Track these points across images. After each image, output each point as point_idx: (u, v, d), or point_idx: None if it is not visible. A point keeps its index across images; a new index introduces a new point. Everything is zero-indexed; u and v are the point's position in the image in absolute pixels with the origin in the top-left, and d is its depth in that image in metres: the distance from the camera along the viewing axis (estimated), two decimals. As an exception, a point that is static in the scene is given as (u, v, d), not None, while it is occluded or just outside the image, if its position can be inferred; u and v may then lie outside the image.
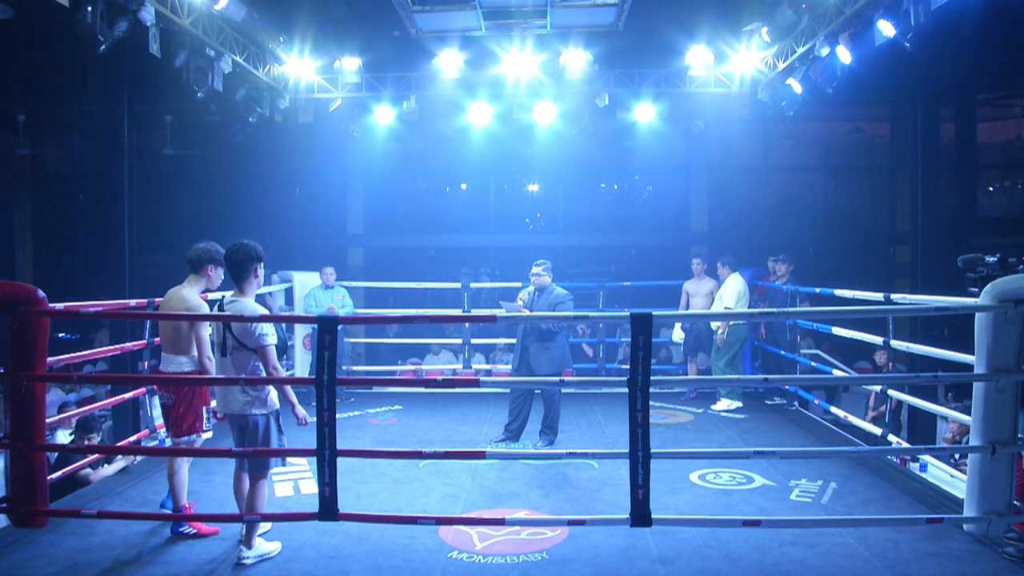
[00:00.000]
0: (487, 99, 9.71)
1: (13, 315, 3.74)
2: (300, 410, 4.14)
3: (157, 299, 5.66)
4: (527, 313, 6.31)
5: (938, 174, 9.19)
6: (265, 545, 4.06)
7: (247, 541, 3.98)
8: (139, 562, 3.99)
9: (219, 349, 4.09)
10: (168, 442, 6.19)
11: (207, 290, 4.58)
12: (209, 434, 4.60)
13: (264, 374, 4.04)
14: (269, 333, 3.98)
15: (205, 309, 4.42)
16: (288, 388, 4.09)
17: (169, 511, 4.58)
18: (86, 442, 6.05)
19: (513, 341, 7.37)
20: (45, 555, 4.05)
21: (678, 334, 8.66)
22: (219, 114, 10.86)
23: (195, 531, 4.36)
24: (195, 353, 4.40)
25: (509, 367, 6.97)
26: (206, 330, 4.37)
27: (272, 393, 4.10)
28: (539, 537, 4.28)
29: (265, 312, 4.04)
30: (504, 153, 12.07)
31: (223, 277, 4.55)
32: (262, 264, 4.13)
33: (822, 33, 7.33)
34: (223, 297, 4.16)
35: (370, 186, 13.02)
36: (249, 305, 4.04)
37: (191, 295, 4.41)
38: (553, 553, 4.08)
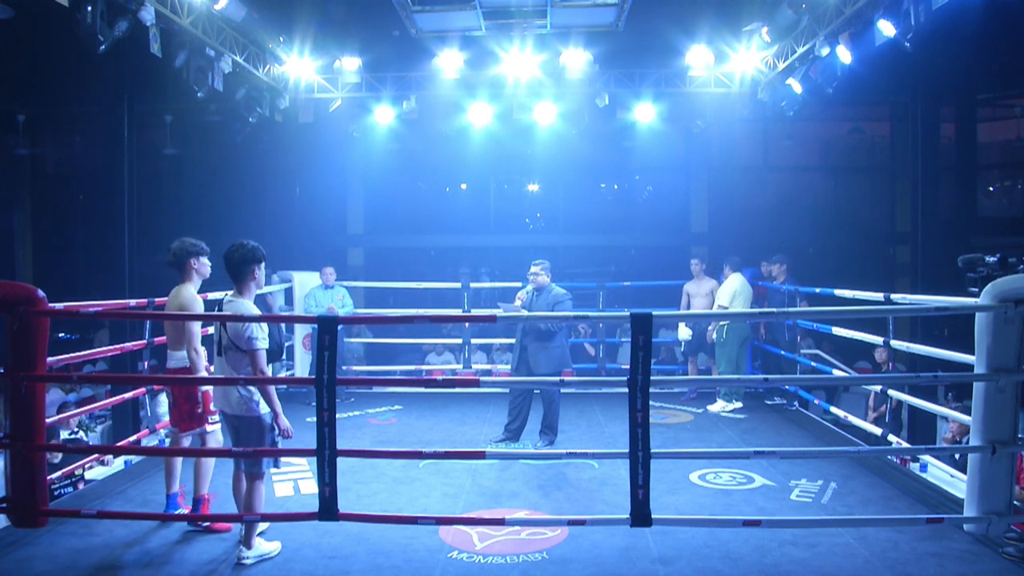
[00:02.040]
0: (487, 99, 9.70)
1: (13, 315, 3.74)
2: (284, 420, 4.03)
3: (157, 299, 5.69)
4: (527, 313, 6.30)
5: (938, 174, 9.18)
6: (265, 545, 4.06)
7: (246, 541, 3.98)
8: (139, 562, 3.99)
9: (217, 348, 4.08)
10: (168, 441, 6.23)
11: (203, 282, 4.65)
12: (218, 425, 4.60)
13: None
14: (260, 337, 3.93)
15: (199, 304, 4.53)
16: (274, 397, 3.98)
17: (174, 511, 4.60)
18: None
19: (512, 341, 7.36)
20: (45, 555, 4.05)
21: (684, 332, 8.63)
22: (219, 114, 10.85)
23: (207, 525, 4.39)
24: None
25: (509, 367, 6.96)
26: (196, 324, 4.47)
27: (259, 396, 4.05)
28: (539, 537, 4.28)
29: (258, 314, 4.01)
30: (504, 153, 12.07)
31: (210, 263, 4.61)
32: (262, 265, 4.10)
33: (822, 33, 7.33)
34: (224, 296, 4.15)
35: (370, 186, 13.02)
36: (244, 306, 4.03)
37: (184, 292, 4.52)
38: (553, 553, 4.08)
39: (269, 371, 4.13)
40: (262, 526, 4.22)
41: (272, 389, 3.99)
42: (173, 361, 4.62)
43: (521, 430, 6.48)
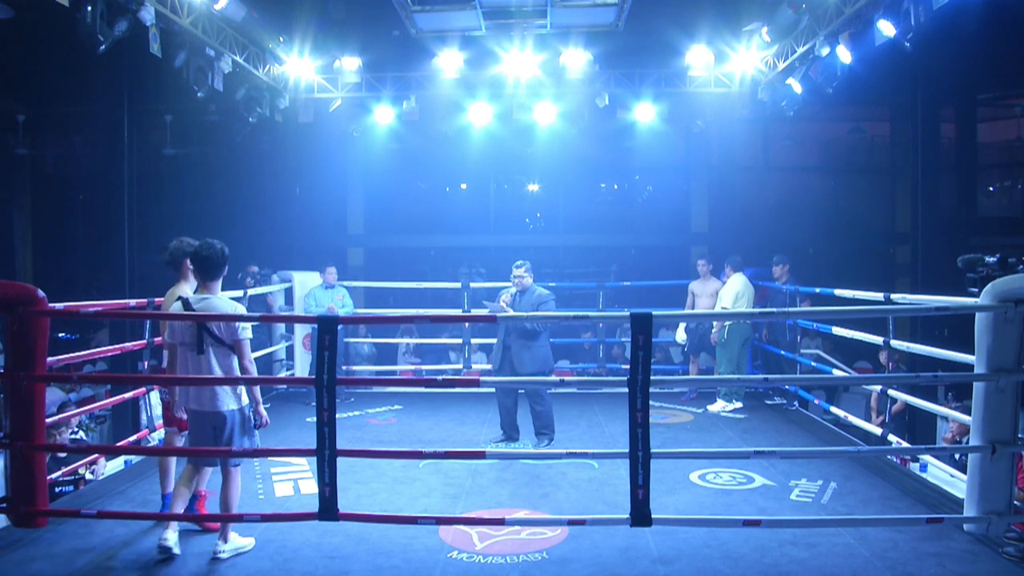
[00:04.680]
0: (487, 99, 9.70)
1: (13, 315, 3.74)
2: (262, 410, 4.17)
3: (157, 299, 5.67)
4: (525, 314, 6.28)
5: (938, 174, 9.19)
6: (239, 539, 4.09)
7: (223, 535, 4.03)
8: (138, 562, 3.98)
9: (192, 348, 4.02)
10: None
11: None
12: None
13: (238, 368, 4.06)
14: (245, 327, 4.02)
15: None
16: (255, 387, 4.12)
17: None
18: (56, 439, 6.05)
19: (490, 341, 7.32)
20: (45, 555, 4.05)
21: (681, 335, 8.64)
22: (219, 114, 10.88)
23: (204, 524, 4.39)
24: None
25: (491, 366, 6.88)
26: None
27: (242, 388, 4.11)
28: (539, 537, 4.28)
29: (239, 306, 4.11)
30: (504, 153, 12.07)
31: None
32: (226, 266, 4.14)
33: (822, 33, 7.33)
34: (186, 297, 4.09)
35: (370, 186, 13.02)
36: (227, 302, 4.07)
37: (182, 293, 4.46)
38: (553, 553, 4.08)
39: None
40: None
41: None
42: None
43: (516, 428, 6.46)
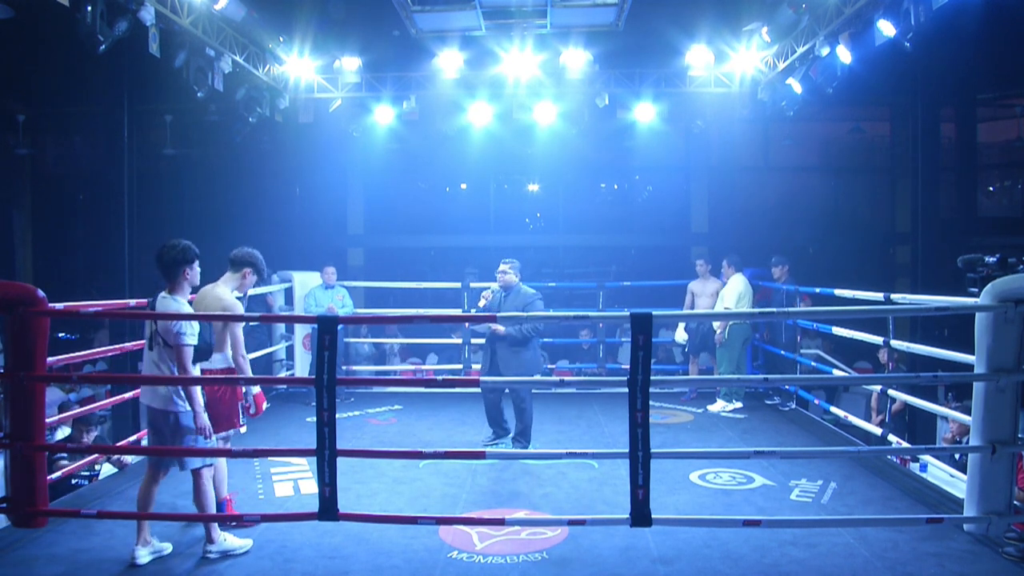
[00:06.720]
0: (487, 99, 9.70)
1: (13, 315, 3.74)
2: (203, 419, 4.00)
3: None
4: (525, 315, 6.21)
5: (938, 174, 9.19)
6: (232, 540, 4.08)
7: (207, 535, 4.02)
8: (139, 562, 3.98)
9: (148, 343, 4.05)
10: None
11: (239, 292, 4.62)
12: (244, 428, 4.58)
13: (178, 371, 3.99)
14: (188, 333, 3.93)
15: (240, 308, 4.46)
16: (196, 396, 3.98)
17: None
18: (84, 436, 6.06)
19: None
20: (45, 555, 4.05)
21: (681, 335, 8.64)
22: (219, 114, 10.87)
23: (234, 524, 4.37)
24: (228, 351, 4.41)
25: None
26: (240, 328, 4.43)
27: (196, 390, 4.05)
28: (539, 537, 4.28)
29: (190, 311, 4.07)
30: (504, 153, 12.07)
31: (253, 283, 4.63)
32: (194, 265, 4.09)
33: (822, 33, 7.33)
34: (158, 295, 4.07)
35: (370, 186, 13.02)
36: (175, 304, 4.01)
37: (226, 293, 4.44)
38: (553, 553, 4.08)
39: (196, 370, 4.09)
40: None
41: (195, 388, 3.99)
42: (214, 362, 4.45)
43: (504, 425, 6.40)
